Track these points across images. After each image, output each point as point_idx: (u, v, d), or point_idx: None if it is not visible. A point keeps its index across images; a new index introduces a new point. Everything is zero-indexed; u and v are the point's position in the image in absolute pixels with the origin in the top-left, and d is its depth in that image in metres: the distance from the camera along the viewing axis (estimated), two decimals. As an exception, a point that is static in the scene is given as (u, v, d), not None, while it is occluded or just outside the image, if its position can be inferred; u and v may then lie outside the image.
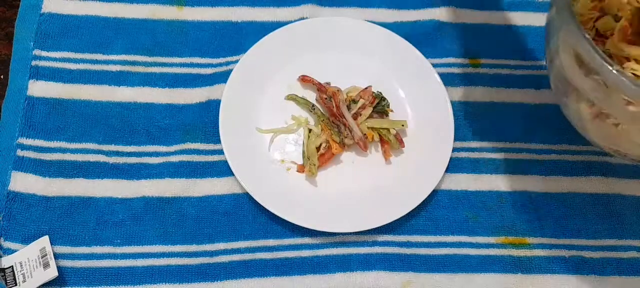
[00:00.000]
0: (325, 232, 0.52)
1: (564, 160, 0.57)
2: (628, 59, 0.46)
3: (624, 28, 0.47)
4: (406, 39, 0.61)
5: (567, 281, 0.52)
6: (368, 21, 0.62)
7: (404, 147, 0.56)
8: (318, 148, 0.55)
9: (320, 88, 0.58)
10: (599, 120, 0.46)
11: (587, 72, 0.44)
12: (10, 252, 0.50)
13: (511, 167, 0.57)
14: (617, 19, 0.48)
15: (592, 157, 0.57)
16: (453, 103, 0.58)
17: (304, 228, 0.52)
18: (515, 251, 0.53)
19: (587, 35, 0.43)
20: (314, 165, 0.54)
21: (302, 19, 0.62)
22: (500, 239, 0.54)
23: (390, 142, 0.56)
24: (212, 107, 0.57)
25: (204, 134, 0.57)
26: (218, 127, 0.56)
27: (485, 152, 0.58)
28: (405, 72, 0.60)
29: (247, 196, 0.54)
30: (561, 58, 0.47)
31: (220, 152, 0.55)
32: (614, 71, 0.41)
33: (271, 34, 0.60)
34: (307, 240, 0.53)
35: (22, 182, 0.53)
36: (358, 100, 0.57)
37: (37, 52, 0.59)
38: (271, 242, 0.52)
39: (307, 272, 0.51)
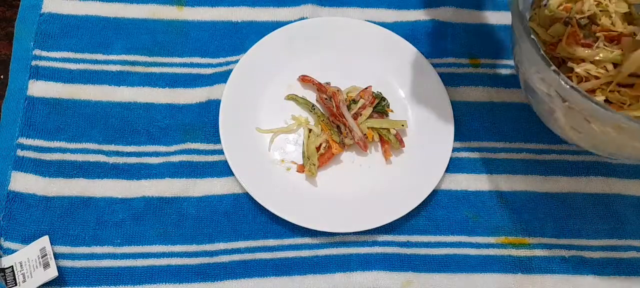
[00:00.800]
0: (325, 232, 0.52)
1: (564, 160, 0.57)
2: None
3: (574, 33, 0.49)
4: (406, 39, 0.61)
5: (566, 281, 0.52)
6: (368, 21, 0.62)
7: (404, 147, 0.56)
8: (318, 149, 0.55)
9: (320, 88, 0.58)
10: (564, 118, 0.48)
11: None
12: (10, 252, 0.50)
13: (511, 167, 0.57)
14: (566, 24, 0.51)
15: (592, 157, 0.57)
16: (453, 103, 0.58)
17: (304, 228, 0.52)
18: (515, 251, 0.53)
19: (550, 63, 0.44)
20: (314, 165, 0.54)
21: (302, 19, 0.62)
22: (500, 239, 0.54)
23: (391, 142, 0.56)
24: (212, 107, 0.57)
25: (204, 134, 0.57)
26: (218, 127, 0.56)
27: (485, 152, 0.58)
28: (405, 72, 0.60)
29: (247, 196, 0.54)
30: (525, 66, 0.48)
31: (220, 152, 0.55)
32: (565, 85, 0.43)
33: (271, 34, 0.60)
34: (307, 240, 0.53)
35: (22, 182, 0.53)
36: (358, 100, 0.57)
37: (37, 52, 0.59)
38: (271, 242, 0.52)
39: (307, 272, 0.51)
